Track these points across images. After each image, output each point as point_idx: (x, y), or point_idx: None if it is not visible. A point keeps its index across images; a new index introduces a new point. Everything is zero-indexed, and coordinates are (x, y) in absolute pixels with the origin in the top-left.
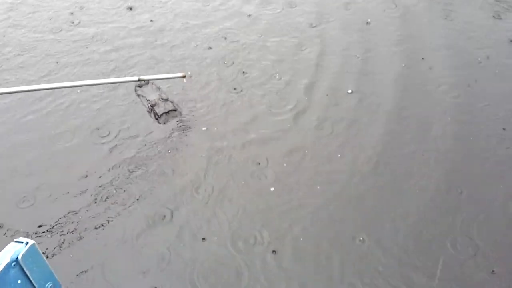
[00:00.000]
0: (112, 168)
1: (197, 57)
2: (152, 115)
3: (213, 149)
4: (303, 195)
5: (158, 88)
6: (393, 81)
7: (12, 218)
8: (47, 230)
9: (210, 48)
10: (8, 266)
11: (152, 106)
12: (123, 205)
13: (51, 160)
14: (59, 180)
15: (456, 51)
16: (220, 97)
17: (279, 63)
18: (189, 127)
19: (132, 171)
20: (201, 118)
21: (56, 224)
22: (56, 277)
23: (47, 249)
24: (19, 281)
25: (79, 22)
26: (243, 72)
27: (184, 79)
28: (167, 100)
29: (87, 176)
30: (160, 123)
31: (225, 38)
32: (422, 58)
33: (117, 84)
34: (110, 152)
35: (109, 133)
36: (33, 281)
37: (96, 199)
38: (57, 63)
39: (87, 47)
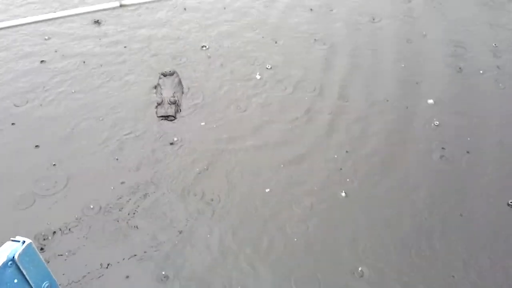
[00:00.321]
0: None
1: None
2: (154, 108)
3: None
4: None
5: (178, 84)
6: None
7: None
8: None
9: None
10: (5, 265)
11: (158, 104)
12: None
13: None
14: None
15: None
16: None
17: None
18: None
19: None
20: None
21: None
22: (53, 276)
23: None
24: (15, 280)
25: None
26: None
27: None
28: (174, 103)
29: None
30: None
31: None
32: None
33: None
34: None
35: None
36: (29, 280)
37: None
38: None
39: None
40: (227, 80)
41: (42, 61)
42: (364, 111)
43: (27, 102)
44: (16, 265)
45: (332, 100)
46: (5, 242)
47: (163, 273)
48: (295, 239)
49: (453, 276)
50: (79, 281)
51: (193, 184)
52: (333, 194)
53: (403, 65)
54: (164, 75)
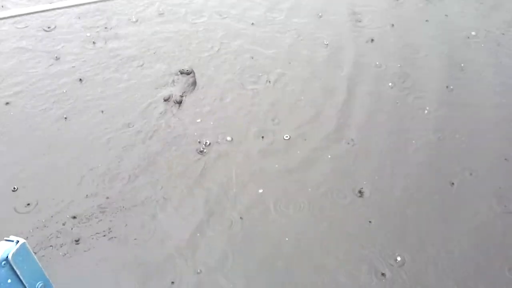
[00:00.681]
0: None
1: None
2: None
3: None
4: None
5: (192, 84)
6: None
7: None
8: None
9: None
10: None
11: (164, 99)
12: None
13: None
14: None
15: None
16: None
17: None
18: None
19: None
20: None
21: None
22: (47, 277)
23: None
24: (9, 281)
25: None
26: None
27: None
28: (179, 103)
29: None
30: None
31: None
32: None
33: None
34: None
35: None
36: (23, 280)
37: None
38: None
39: None
40: None
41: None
42: None
43: None
44: (10, 265)
45: None
46: None
47: None
48: None
49: None
50: None
51: None
52: None
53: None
54: (181, 73)
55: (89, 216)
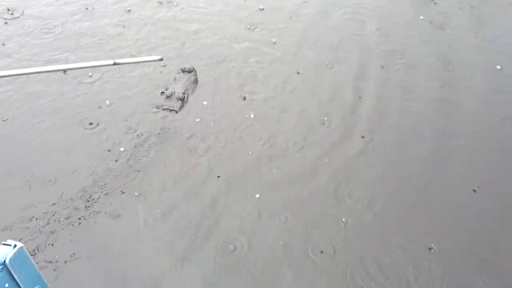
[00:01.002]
0: None
1: None
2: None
3: None
4: None
5: (193, 82)
6: None
7: None
8: None
9: None
10: None
11: (167, 96)
12: None
13: None
14: None
15: None
16: None
17: None
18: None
19: None
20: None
21: None
22: (44, 280)
23: None
24: (6, 285)
25: None
26: None
27: (162, 62)
28: (181, 99)
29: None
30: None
31: None
32: None
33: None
34: None
35: None
36: (20, 285)
37: None
38: None
39: None
40: None
41: None
42: None
43: None
44: (7, 269)
45: None
46: None
47: None
48: None
49: None
50: None
51: None
52: None
53: None
54: (183, 70)
55: None
